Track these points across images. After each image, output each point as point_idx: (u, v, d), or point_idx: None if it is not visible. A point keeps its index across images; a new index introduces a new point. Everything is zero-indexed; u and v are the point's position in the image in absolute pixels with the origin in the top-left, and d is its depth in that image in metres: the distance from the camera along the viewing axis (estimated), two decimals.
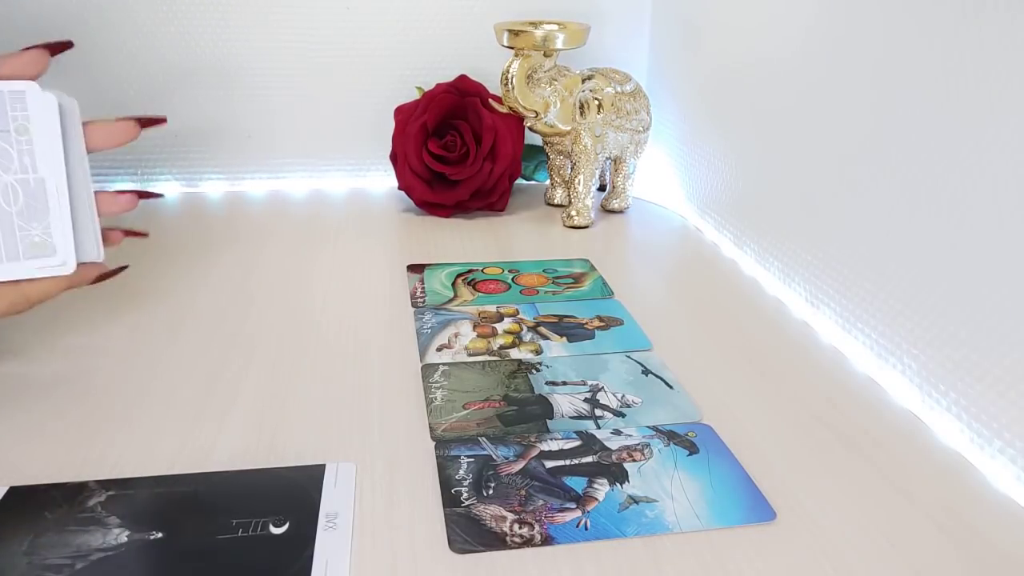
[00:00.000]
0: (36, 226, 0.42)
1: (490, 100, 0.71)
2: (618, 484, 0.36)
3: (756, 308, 0.56)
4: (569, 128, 0.68)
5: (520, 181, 0.82)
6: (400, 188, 0.73)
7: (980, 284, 0.39)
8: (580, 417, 0.42)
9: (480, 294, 0.56)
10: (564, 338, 0.50)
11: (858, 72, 0.48)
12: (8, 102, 0.41)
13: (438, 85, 0.72)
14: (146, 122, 0.46)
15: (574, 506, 0.35)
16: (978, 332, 0.40)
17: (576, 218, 0.71)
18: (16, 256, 0.42)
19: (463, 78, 0.72)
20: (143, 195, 0.48)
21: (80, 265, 0.44)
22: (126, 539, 0.32)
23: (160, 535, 0.33)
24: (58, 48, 0.44)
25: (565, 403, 0.43)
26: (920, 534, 0.34)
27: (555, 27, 0.64)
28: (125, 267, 0.49)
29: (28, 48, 0.42)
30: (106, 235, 0.46)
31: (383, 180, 0.82)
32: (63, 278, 0.44)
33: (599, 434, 0.40)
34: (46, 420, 0.40)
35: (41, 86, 0.42)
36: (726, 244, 0.67)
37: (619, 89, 0.70)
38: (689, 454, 0.39)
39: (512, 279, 0.59)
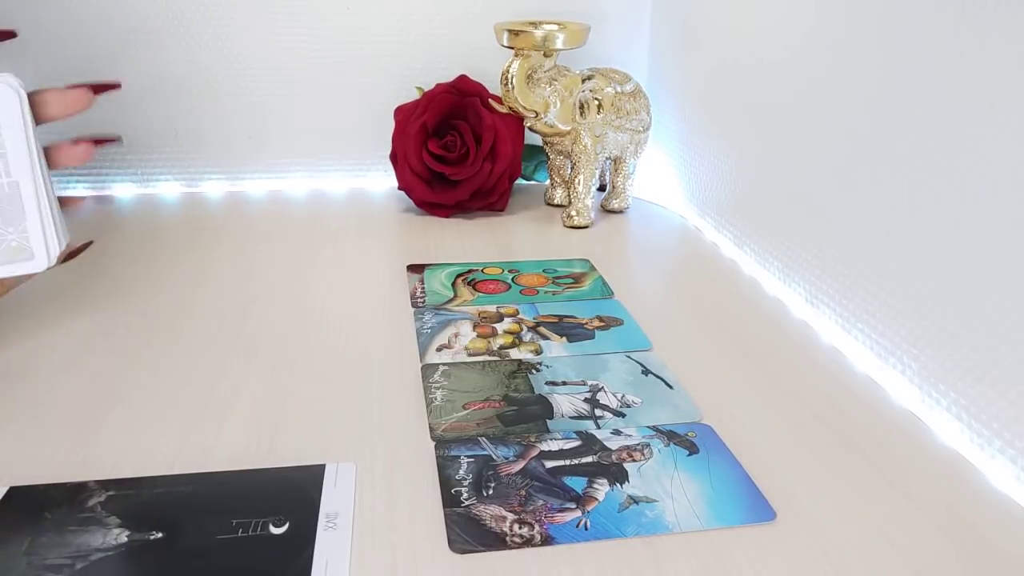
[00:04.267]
0: (12, 231, 0.40)
1: (490, 100, 0.71)
2: (618, 484, 0.36)
3: (756, 308, 0.56)
4: (569, 128, 0.68)
5: (520, 181, 0.82)
6: (400, 188, 0.73)
7: (980, 284, 0.39)
8: (580, 417, 0.42)
9: (480, 294, 0.56)
10: (564, 338, 0.50)
11: (858, 72, 0.48)
12: None
13: (438, 85, 0.72)
14: (99, 88, 0.44)
15: (574, 506, 0.35)
16: (978, 332, 0.40)
17: (576, 218, 0.71)
18: None
19: (463, 78, 0.72)
20: (99, 142, 0.44)
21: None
22: (126, 539, 0.32)
23: (160, 535, 0.33)
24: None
25: (565, 403, 0.43)
26: (920, 534, 0.34)
27: (555, 27, 0.64)
28: (90, 243, 0.48)
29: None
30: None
31: (383, 180, 0.82)
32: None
33: (599, 434, 0.40)
34: (46, 420, 0.40)
35: None
36: (726, 244, 0.67)
37: (619, 89, 0.70)
38: (689, 454, 0.39)
39: (512, 279, 0.59)
